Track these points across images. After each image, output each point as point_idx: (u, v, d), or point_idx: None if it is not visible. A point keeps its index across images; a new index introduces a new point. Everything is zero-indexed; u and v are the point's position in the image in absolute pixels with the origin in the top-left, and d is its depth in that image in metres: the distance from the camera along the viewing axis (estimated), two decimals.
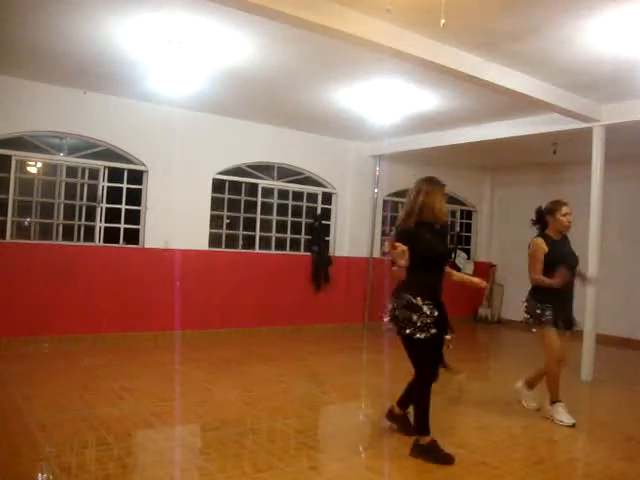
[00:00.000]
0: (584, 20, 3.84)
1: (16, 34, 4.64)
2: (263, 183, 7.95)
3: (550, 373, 4.20)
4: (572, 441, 3.92)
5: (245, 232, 7.89)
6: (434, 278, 3.45)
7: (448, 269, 3.61)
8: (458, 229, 10.37)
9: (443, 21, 3.04)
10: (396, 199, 9.01)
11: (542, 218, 4.32)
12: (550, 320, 4.12)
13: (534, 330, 4.23)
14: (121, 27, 4.36)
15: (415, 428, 3.41)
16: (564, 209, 4.21)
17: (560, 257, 4.16)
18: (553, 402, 4.22)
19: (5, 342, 5.84)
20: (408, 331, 3.27)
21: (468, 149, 7.92)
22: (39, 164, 6.43)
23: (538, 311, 4.14)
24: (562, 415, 4.13)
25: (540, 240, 4.22)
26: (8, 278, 5.97)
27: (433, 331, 3.26)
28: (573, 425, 4.07)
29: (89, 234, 6.67)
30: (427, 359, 3.37)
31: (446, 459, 3.26)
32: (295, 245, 8.36)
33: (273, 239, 8.13)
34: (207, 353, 6.30)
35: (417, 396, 3.44)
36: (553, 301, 4.13)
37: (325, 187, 8.58)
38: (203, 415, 4.04)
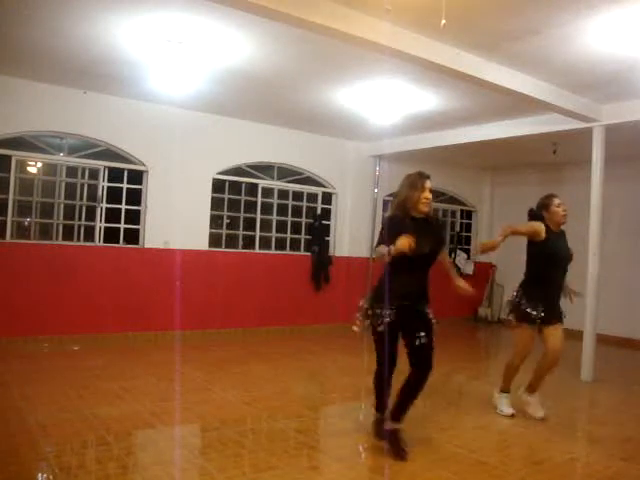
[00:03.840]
0: (584, 20, 3.84)
1: (16, 34, 4.64)
2: (263, 183, 7.95)
3: (511, 366, 4.31)
4: (572, 441, 3.92)
5: (245, 232, 7.90)
6: (409, 280, 3.36)
7: (449, 264, 3.60)
8: (458, 229, 10.38)
9: (444, 21, 3.04)
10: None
11: (535, 218, 4.28)
12: (530, 319, 4.10)
13: (510, 318, 4.28)
14: (121, 27, 4.36)
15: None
16: (556, 200, 4.20)
17: (554, 250, 4.15)
18: (502, 391, 4.36)
19: (5, 342, 5.84)
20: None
21: (468, 149, 7.92)
22: (39, 164, 6.43)
23: (523, 308, 4.14)
24: (504, 405, 4.30)
25: (542, 225, 4.16)
26: (8, 278, 5.98)
27: (380, 329, 3.33)
28: (512, 415, 4.22)
29: (89, 234, 6.67)
30: (377, 350, 3.46)
31: (400, 454, 3.31)
32: (295, 245, 8.36)
33: (273, 239, 8.13)
34: (207, 353, 6.30)
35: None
36: (543, 298, 4.12)
37: (325, 187, 8.58)
38: (203, 415, 4.04)
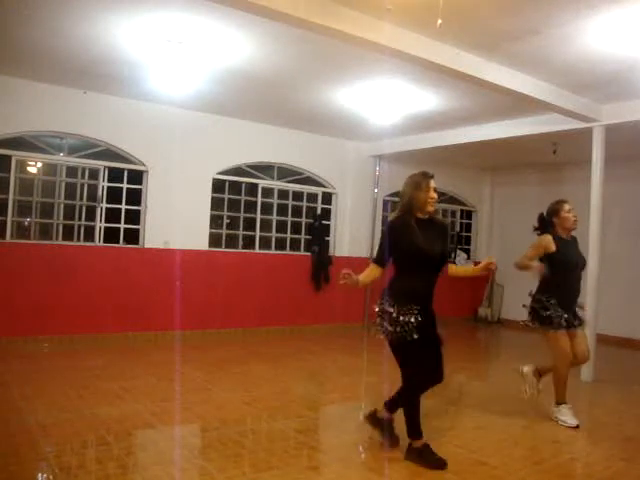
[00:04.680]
0: (584, 20, 3.84)
1: (16, 34, 4.64)
2: (263, 183, 7.95)
3: (559, 376, 4.16)
4: (572, 441, 3.92)
5: (245, 232, 7.90)
6: (419, 282, 3.29)
7: (450, 266, 3.47)
8: (458, 229, 10.38)
9: (440, 21, 3.03)
10: (396, 199, 9.00)
11: (544, 223, 4.27)
12: (559, 324, 4.07)
13: (531, 325, 4.19)
14: (121, 27, 4.36)
15: (407, 432, 3.33)
16: (567, 206, 4.20)
17: (566, 258, 4.15)
18: (559, 404, 4.20)
19: (5, 342, 5.85)
20: (387, 336, 3.24)
21: (468, 149, 7.91)
22: (39, 164, 6.43)
23: (545, 313, 4.09)
24: (566, 416, 4.13)
25: (549, 237, 4.16)
26: (8, 278, 5.98)
27: (415, 336, 3.15)
28: (577, 427, 4.06)
29: (89, 234, 6.67)
30: (410, 363, 3.29)
31: (439, 463, 3.20)
32: (295, 245, 8.36)
33: (273, 239, 8.13)
34: (207, 353, 6.30)
35: (403, 400, 3.38)
36: (561, 304, 4.10)
37: (325, 187, 8.58)
38: (203, 415, 4.04)
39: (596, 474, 3.30)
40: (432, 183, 3.37)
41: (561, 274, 4.13)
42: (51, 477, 2.88)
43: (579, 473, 3.41)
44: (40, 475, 2.96)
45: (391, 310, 3.23)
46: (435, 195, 3.37)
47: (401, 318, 3.19)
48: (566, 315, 4.10)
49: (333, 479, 3.05)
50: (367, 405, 4.71)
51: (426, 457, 3.24)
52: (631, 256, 8.19)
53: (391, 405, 3.49)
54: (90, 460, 3.14)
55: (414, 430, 3.30)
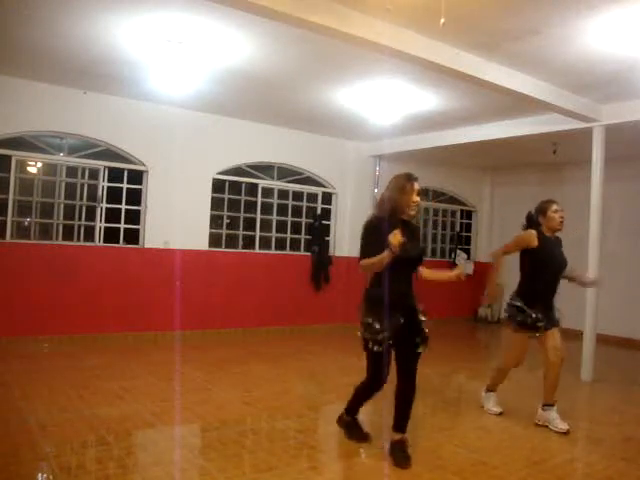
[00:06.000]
0: (584, 20, 3.84)
1: (16, 34, 4.64)
2: (263, 183, 7.95)
3: (502, 371, 4.35)
4: (572, 441, 3.92)
5: (245, 232, 7.90)
6: (399, 285, 3.29)
7: (423, 269, 3.41)
8: (458, 229, 10.38)
9: (443, 20, 3.03)
10: None
11: (532, 222, 4.27)
12: (523, 325, 4.09)
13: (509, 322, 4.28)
14: (121, 27, 4.36)
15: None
16: (554, 206, 4.18)
17: (549, 256, 4.13)
18: (488, 390, 4.44)
19: (5, 342, 5.85)
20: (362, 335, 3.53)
21: (468, 149, 7.92)
22: (39, 164, 6.43)
23: (522, 314, 4.11)
24: (490, 404, 4.39)
25: (533, 232, 4.16)
26: (8, 278, 5.98)
27: (376, 348, 3.37)
28: (500, 413, 4.29)
29: (89, 234, 6.67)
30: (371, 366, 3.54)
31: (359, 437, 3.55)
32: (295, 245, 8.36)
33: (273, 239, 8.13)
34: (207, 353, 6.30)
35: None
36: (540, 305, 4.09)
37: (325, 187, 8.58)
38: (203, 415, 4.04)
39: (596, 474, 3.30)
40: (416, 185, 3.28)
41: (541, 272, 4.11)
42: (51, 477, 2.88)
43: (579, 473, 3.41)
44: (40, 475, 2.96)
45: (367, 320, 3.45)
46: (418, 199, 3.28)
47: (377, 326, 3.34)
48: (536, 316, 4.07)
49: (333, 479, 3.05)
50: (367, 405, 4.70)
51: (351, 429, 3.61)
52: (631, 256, 8.19)
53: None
54: (90, 460, 3.14)
55: (354, 410, 3.66)
